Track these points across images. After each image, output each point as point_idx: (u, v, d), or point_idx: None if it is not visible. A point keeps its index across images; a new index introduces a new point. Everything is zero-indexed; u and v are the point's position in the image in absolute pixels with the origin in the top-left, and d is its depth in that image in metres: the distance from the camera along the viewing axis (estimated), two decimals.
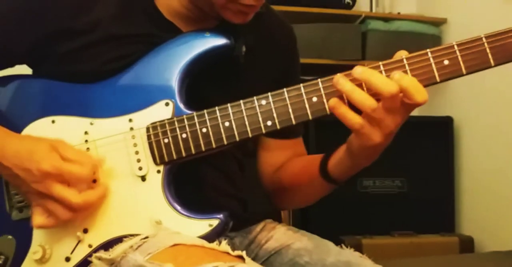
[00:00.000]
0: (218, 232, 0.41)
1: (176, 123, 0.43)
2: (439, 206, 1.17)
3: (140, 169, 0.43)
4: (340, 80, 0.38)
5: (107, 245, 0.42)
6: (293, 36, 0.55)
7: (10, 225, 0.45)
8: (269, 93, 0.41)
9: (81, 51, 0.45)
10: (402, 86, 0.36)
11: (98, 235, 0.42)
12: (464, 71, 0.38)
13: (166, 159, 0.43)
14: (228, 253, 0.37)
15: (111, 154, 0.44)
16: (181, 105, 0.43)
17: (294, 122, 0.41)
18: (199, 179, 0.48)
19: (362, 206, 1.13)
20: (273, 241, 0.50)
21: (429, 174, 1.18)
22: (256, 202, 0.53)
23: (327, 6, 1.22)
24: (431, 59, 0.38)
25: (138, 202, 0.43)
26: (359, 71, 0.37)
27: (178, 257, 0.36)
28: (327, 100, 0.39)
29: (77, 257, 0.42)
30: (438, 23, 1.29)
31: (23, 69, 0.50)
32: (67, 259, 0.43)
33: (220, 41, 0.44)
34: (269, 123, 0.41)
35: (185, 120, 0.43)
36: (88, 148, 0.44)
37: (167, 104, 0.43)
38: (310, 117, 0.40)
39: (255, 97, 0.41)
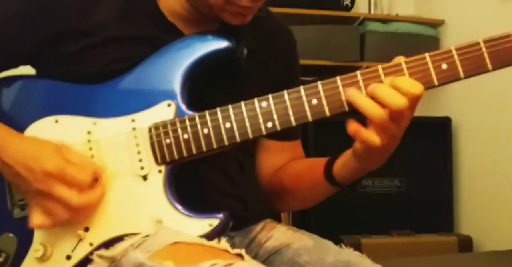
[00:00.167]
0: (218, 231, 0.42)
1: (178, 124, 0.43)
2: (437, 206, 1.17)
3: (142, 168, 0.43)
4: (352, 91, 0.39)
5: (108, 244, 0.42)
6: (292, 40, 0.56)
7: (11, 222, 0.45)
8: (269, 95, 0.41)
9: (84, 53, 0.46)
10: (397, 86, 0.37)
11: (99, 233, 0.43)
12: (462, 75, 0.39)
13: (168, 159, 0.43)
14: (227, 251, 0.37)
15: (113, 154, 0.44)
16: (183, 106, 0.44)
17: (294, 124, 0.41)
18: (199, 178, 0.49)
19: (361, 206, 1.13)
20: (273, 241, 0.50)
21: (427, 174, 1.18)
22: (256, 202, 0.53)
23: (325, 8, 1.22)
24: (430, 63, 0.39)
25: (139, 201, 0.43)
26: (371, 87, 0.38)
27: (178, 254, 0.37)
28: (327, 103, 0.40)
29: (78, 255, 0.43)
30: (436, 24, 1.29)
31: (27, 70, 0.51)
32: (68, 257, 0.43)
33: (222, 44, 0.45)
34: (269, 124, 0.41)
35: (187, 121, 0.43)
36: (90, 148, 0.45)
37: (169, 105, 0.44)
38: (310, 119, 0.41)
39: (256, 99, 0.42)
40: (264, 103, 0.42)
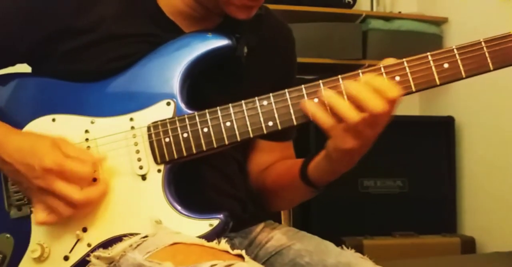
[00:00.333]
0: (218, 232, 0.41)
1: (177, 122, 0.43)
2: (440, 207, 1.17)
3: (141, 168, 0.43)
4: (327, 92, 0.39)
5: (106, 244, 0.41)
6: (292, 38, 0.55)
7: (8, 223, 0.45)
8: (270, 94, 0.41)
9: (83, 50, 0.45)
10: (375, 87, 0.37)
11: (97, 234, 0.42)
12: (463, 74, 0.39)
13: (167, 158, 0.43)
14: (227, 252, 0.37)
15: (111, 153, 0.44)
16: (182, 105, 0.44)
17: (295, 123, 0.41)
18: (199, 179, 0.48)
19: (363, 207, 1.13)
20: (273, 242, 0.50)
21: (430, 174, 1.17)
22: (260, 201, 0.53)
23: (327, 5, 1.22)
24: (431, 63, 0.39)
25: (138, 201, 0.43)
26: (349, 87, 0.38)
27: (177, 255, 0.37)
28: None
29: (76, 256, 0.42)
30: (439, 22, 1.29)
31: (23, 68, 0.50)
32: (66, 258, 0.42)
33: (222, 42, 0.44)
34: (270, 123, 0.41)
35: (187, 120, 0.43)
36: (88, 147, 0.44)
37: (168, 104, 0.44)
38: (312, 118, 0.40)
39: (256, 98, 0.41)
40: (265, 102, 0.41)
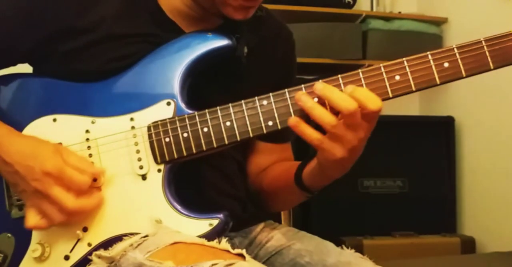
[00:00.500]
0: (218, 231, 0.41)
1: (177, 122, 0.43)
2: (440, 207, 1.17)
3: (141, 167, 0.43)
4: (302, 97, 0.39)
5: (107, 244, 0.42)
6: (292, 40, 0.56)
7: (9, 223, 0.45)
8: (270, 94, 0.41)
9: (84, 50, 0.45)
10: (355, 97, 0.37)
11: (97, 233, 0.42)
12: (464, 74, 0.39)
13: (167, 158, 0.43)
14: (228, 251, 0.37)
15: (112, 153, 0.44)
16: (183, 105, 0.44)
17: None
18: (199, 179, 0.48)
19: (363, 207, 1.13)
20: (273, 242, 0.50)
21: (430, 174, 1.17)
22: (258, 202, 0.53)
23: (327, 5, 1.22)
24: (431, 62, 0.39)
25: (138, 201, 0.43)
26: (319, 87, 0.39)
27: (177, 255, 0.37)
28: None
29: (76, 255, 0.42)
30: (439, 22, 1.29)
31: (24, 68, 0.50)
32: (66, 258, 0.43)
33: (222, 42, 0.45)
34: (270, 123, 0.41)
35: (187, 119, 0.43)
36: (89, 146, 0.44)
37: (168, 103, 0.44)
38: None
39: (256, 98, 0.41)
40: (264, 102, 0.41)
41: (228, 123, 0.42)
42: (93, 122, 0.45)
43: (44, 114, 0.45)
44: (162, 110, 0.44)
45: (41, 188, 0.40)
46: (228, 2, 0.43)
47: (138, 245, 0.39)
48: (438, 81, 0.39)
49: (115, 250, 0.39)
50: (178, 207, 0.42)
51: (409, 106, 1.35)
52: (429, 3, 1.35)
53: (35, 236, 0.43)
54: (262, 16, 0.49)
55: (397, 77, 0.39)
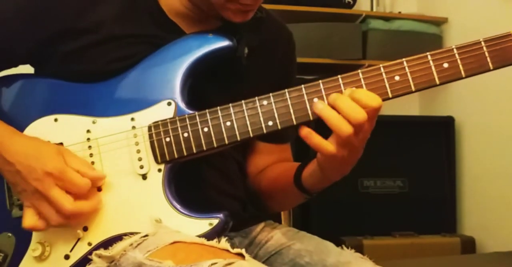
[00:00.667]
0: (218, 231, 0.41)
1: (178, 122, 0.43)
2: (440, 207, 1.17)
3: (141, 167, 0.43)
4: (319, 105, 0.39)
5: (107, 243, 0.42)
6: (292, 41, 0.56)
7: (10, 222, 0.45)
8: (270, 94, 0.41)
9: (85, 51, 0.45)
10: (355, 98, 0.38)
11: (98, 233, 0.42)
12: (463, 74, 0.39)
13: (167, 158, 0.43)
14: (227, 251, 0.37)
15: (112, 152, 0.44)
16: (183, 105, 0.44)
17: (295, 122, 0.41)
18: (199, 178, 0.48)
19: (363, 207, 1.13)
20: (273, 242, 0.50)
21: (430, 174, 1.17)
22: (257, 203, 0.53)
23: (327, 5, 1.22)
24: (431, 62, 0.39)
25: (138, 201, 0.43)
26: (332, 98, 0.39)
27: (177, 254, 0.37)
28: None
29: (77, 255, 0.42)
30: (439, 22, 1.29)
31: (26, 69, 0.50)
32: (67, 257, 0.43)
33: (223, 42, 0.45)
34: (270, 123, 0.41)
35: (187, 119, 0.43)
36: (90, 146, 0.44)
37: (169, 104, 0.44)
38: (311, 118, 0.40)
39: (256, 98, 0.41)
40: (265, 102, 0.41)
41: (228, 123, 0.42)
42: (94, 122, 0.45)
43: (45, 114, 0.46)
44: (162, 111, 0.44)
45: (41, 188, 0.40)
46: (226, 6, 0.44)
47: (138, 244, 0.39)
48: (437, 82, 0.39)
49: (115, 249, 0.39)
50: (178, 207, 0.42)
51: (409, 106, 1.35)
52: (429, 3, 1.35)
53: (36, 235, 0.44)
54: (262, 17, 0.49)
55: (397, 78, 0.40)
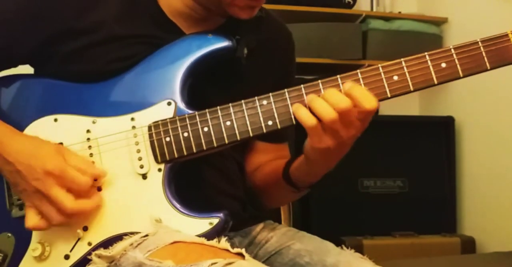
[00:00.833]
0: (218, 230, 0.41)
1: (178, 122, 0.43)
2: (440, 207, 1.17)
3: (142, 167, 0.43)
4: (308, 97, 0.40)
5: (107, 243, 0.42)
6: (291, 40, 0.56)
7: (9, 222, 0.45)
8: (270, 94, 0.41)
9: (85, 51, 0.46)
10: (352, 95, 0.38)
11: (98, 233, 0.42)
12: (461, 74, 0.39)
13: (168, 157, 0.43)
14: (227, 250, 0.37)
15: (112, 152, 0.44)
16: (183, 105, 0.44)
17: (294, 122, 0.41)
18: (199, 178, 0.48)
19: (363, 207, 1.13)
20: (273, 242, 0.50)
21: (430, 174, 1.17)
22: (256, 203, 0.53)
23: (327, 5, 1.22)
24: (429, 62, 0.39)
25: (138, 200, 0.43)
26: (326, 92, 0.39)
27: (177, 254, 0.37)
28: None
29: (77, 255, 0.42)
30: (439, 22, 1.29)
31: (25, 69, 0.50)
32: (66, 257, 0.43)
33: (222, 43, 0.45)
34: (270, 123, 0.41)
35: (187, 119, 0.43)
36: (89, 146, 0.44)
37: (169, 104, 0.44)
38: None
39: (256, 98, 0.42)
40: (264, 102, 0.42)
41: (228, 123, 0.42)
42: (94, 122, 0.45)
43: (45, 114, 0.46)
44: (162, 110, 0.44)
45: (42, 188, 0.40)
46: (234, 3, 0.44)
47: (138, 244, 0.39)
48: (435, 81, 0.40)
49: (115, 249, 0.39)
50: (178, 206, 0.42)
51: (409, 106, 1.35)
52: (429, 3, 1.35)
53: (35, 235, 0.44)
54: (261, 16, 0.49)
55: (395, 78, 0.40)
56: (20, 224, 0.43)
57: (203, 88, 0.47)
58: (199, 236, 0.40)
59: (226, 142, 0.42)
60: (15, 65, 0.50)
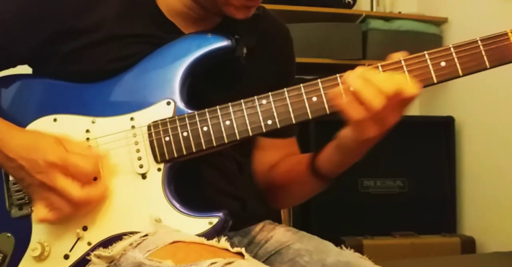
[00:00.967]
0: (217, 230, 0.41)
1: (177, 121, 0.43)
2: (440, 207, 1.17)
3: (141, 166, 0.43)
4: (348, 79, 0.38)
5: (107, 243, 0.42)
6: (289, 38, 0.56)
7: (9, 222, 0.45)
8: (269, 93, 0.41)
9: (84, 51, 0.46)
10: (394, 81, 0.37)
11: (97, 232, 0.42)
12: (460, 72, 0.39)
13: (167, 157, 0.43)
14: (227, 250, 0.37)
15: (112, 152, 0.44)
16: (182, 105, 0.44)
17: (294, 121, 0.41)
18: (198, 178, 0.48)
19: (363, 207, 1.13)
20: (273, 241, 0.50)
21: (430, 174, 1.17)
22: (255, 203, 0.53)
23: (327, 5, 1.22)
24: (428, 61, 0.39)
25: (138, 200, 0.43)
26: (360, 70, 0.38)
27: (177, 254, 0.37)
28: (327, 100, 0.40)
29: (76, 254, 0.42)
30: (439, 22, 1.29)
31: (25, 69, 0.50)
32: (66, 257, 0.43)
33: (221, 43, 0.45)
34: (269, 122, 0.41)
35: (187, 119, 0.43)
36: (89, 146, 0.44)
37: (168, 103, 0.44)
38: (310, 116, 0.41)
39: (255, 97, 0.42)
40: (264, 101, 0.42)
41: (227, 123, 0.42)
42: (93, 122, 0.45)
43: (45, 114, 0.46)
44: (162, 110, 0.44)
45: (47, 180, 0.40)
46: (230, 2, 0.44)
47: (138, 244, 0.39)
48: (435, 80, 0.39)
49: (115, 249, 0.39)
50: (178, 206, 0.42)
51: (409, 106, 1.34)
52: (429, 3, 1.35)
53: (35, 235, 0.44)
54: (259, 14, 0.49)
55: None
56: (20, 224, 0.43)
57: (203, 88, 0.47)
58: (198, 235, 0.40)
59: (226, 141, 0.42)
60: (14, 66, 0.50)
